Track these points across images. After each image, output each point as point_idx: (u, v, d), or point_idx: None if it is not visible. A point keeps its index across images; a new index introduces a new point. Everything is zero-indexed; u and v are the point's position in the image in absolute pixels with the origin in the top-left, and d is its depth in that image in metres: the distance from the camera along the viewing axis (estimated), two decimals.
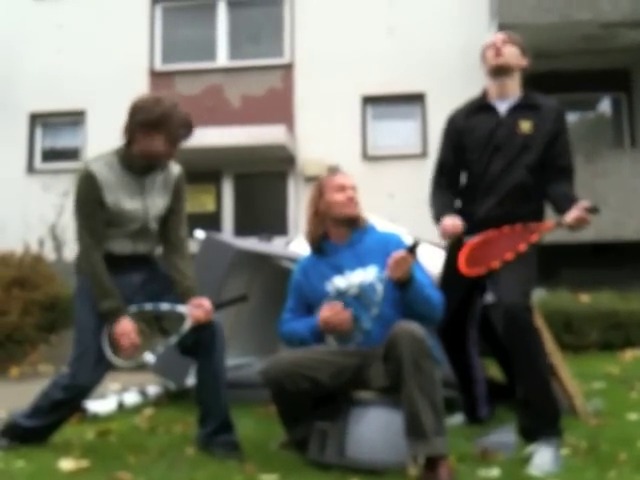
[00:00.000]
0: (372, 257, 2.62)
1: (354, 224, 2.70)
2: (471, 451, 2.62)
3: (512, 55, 2.87)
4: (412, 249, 2.44)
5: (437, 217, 2.92)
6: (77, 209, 2.67)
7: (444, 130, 3.03)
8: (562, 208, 2.72)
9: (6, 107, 10.28)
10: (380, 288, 2.54)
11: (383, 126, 9.97)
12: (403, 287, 2.48)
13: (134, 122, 2.61)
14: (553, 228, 2.74)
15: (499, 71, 2.87)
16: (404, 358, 2.27)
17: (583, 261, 8.50)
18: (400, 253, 2.44)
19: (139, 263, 2.78)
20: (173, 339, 2.66)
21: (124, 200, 2.65)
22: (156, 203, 2.73)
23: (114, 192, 2.63)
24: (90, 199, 2.62)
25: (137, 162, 2.67)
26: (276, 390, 2.48)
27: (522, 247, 2.65)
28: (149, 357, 2.67)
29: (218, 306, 2.77)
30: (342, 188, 2.68)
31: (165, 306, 2.68)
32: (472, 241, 2.78)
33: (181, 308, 2.67)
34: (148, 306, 2.68)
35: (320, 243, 2.71)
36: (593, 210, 2.59)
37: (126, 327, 2.60)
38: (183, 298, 2.69)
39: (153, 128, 2.58)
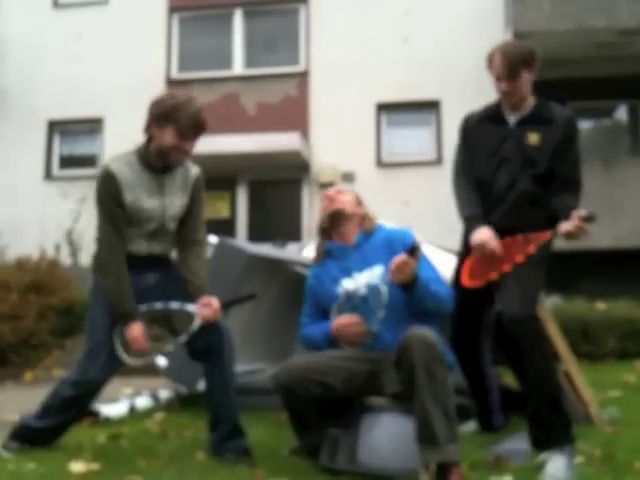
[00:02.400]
0: (378, 256, 2.61)
1: (338, 219, 2.71)
2: (484, 459, 2.60)
3: (522, 83, 2.79)
4: (412, 252, 2.42)
5: (466, 216, 2.87)
6: (100, 209, 2.68)
7: (460, 129, 3.02)
8: (560, 218, 2.69)
9: (25, 114, 10.42)
10: (385, 290, 2.53)
11: (398, 133, 9.97)
12: (407, 288, 2.47)
13: (150, 117, 2.64)
14: (550, 238, 2.70)
15: (507, 97, 2.84)
16: (416, 364, 2.25)
17: (602, 270, 8.42)
18: (401, 257, 2.42)
19: (154, 264, 2.78)
20: (182, 338, 2.67)
21: (143, 198, 2.67)
22: (174, 202, 2.74)
23: (133, 190, 2.65)
24: (111, 198, 2.64)
25: (155, 161, 2.69)
26: (287, 395, 2.46)
27: (519, 258, 2.64)
28: (160, 361, 2.68)
29: (226, 305, 2.77)
30: (324, 197, 2.79)
31: (174, 305, 2.69)
32: (474, 254, 2.77)
33: (190, 307, 2.68)
34: (158, 305, 2.69)
35: (324, 250, 2.76)
36: (589, 219, 2.56)
37: (137, 332, 2.61)
38: (193, 297, 2.70)
39: (164, 120, 2.60)
